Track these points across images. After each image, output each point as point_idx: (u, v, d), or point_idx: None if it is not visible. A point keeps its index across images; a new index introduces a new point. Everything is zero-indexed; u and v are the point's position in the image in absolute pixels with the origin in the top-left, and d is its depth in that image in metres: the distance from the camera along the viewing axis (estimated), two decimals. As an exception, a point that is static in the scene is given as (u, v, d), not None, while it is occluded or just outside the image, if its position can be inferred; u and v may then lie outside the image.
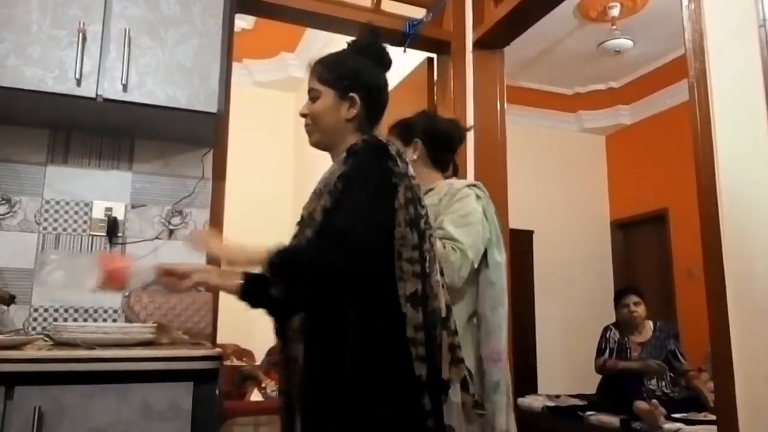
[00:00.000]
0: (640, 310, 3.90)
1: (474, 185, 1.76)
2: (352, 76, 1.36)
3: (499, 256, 1.69)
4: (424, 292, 1.19)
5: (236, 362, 4.29)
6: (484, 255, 1.66)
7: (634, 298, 3.91)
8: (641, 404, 3.41)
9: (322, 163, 1.43)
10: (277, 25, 3.32)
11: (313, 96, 1.38)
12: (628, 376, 3.72)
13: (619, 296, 4.04)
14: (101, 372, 1.39)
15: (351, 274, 1.15)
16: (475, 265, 1.63)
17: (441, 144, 1.84)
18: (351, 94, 1.35)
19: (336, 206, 1.21)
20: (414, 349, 1.16)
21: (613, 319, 4.07)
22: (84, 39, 1.81)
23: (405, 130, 1.82)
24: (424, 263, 1.21)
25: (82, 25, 1.81)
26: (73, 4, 1.83)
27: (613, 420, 3.57)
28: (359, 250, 1.14)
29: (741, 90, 1.60)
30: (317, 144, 1.41)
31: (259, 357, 4.42)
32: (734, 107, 1.62)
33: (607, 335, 3.98)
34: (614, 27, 4.49)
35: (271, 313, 1.27)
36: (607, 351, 3.92)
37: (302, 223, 1.31)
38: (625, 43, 4.63)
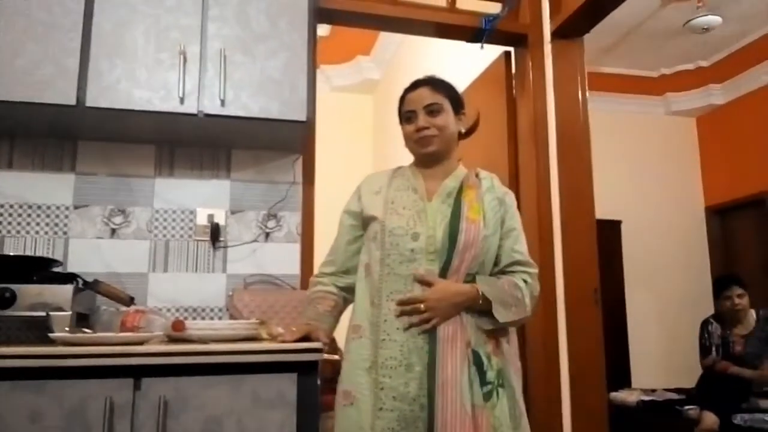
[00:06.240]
0: (744, 301, 3.66)
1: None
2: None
3: None
4: None
5: (327, 357, 4.42)
6: None
7: (738, 290, 3.66)
8: None
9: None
10: (352, 30, 3.40)
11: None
12: (735, 380, 3.51)
13: (721, 287, 3.78)
14: (215, 364, 1.48)
15: None
16: None
17: None
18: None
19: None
20: None
21: (711, 310, 3.87)
22: (185, 60, 1.95)
23: (458, 100, 1.64)
24: None
25: (182, 47, 1.95)
26: (174, 29, 1.98)
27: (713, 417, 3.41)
28: None
29: None
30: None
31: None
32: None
33: (709, 329, 3.75)
34: (700, 4, 4.27)
35: None
36: (713, 349, 3.69)
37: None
38: (713, 19, 4.38)
